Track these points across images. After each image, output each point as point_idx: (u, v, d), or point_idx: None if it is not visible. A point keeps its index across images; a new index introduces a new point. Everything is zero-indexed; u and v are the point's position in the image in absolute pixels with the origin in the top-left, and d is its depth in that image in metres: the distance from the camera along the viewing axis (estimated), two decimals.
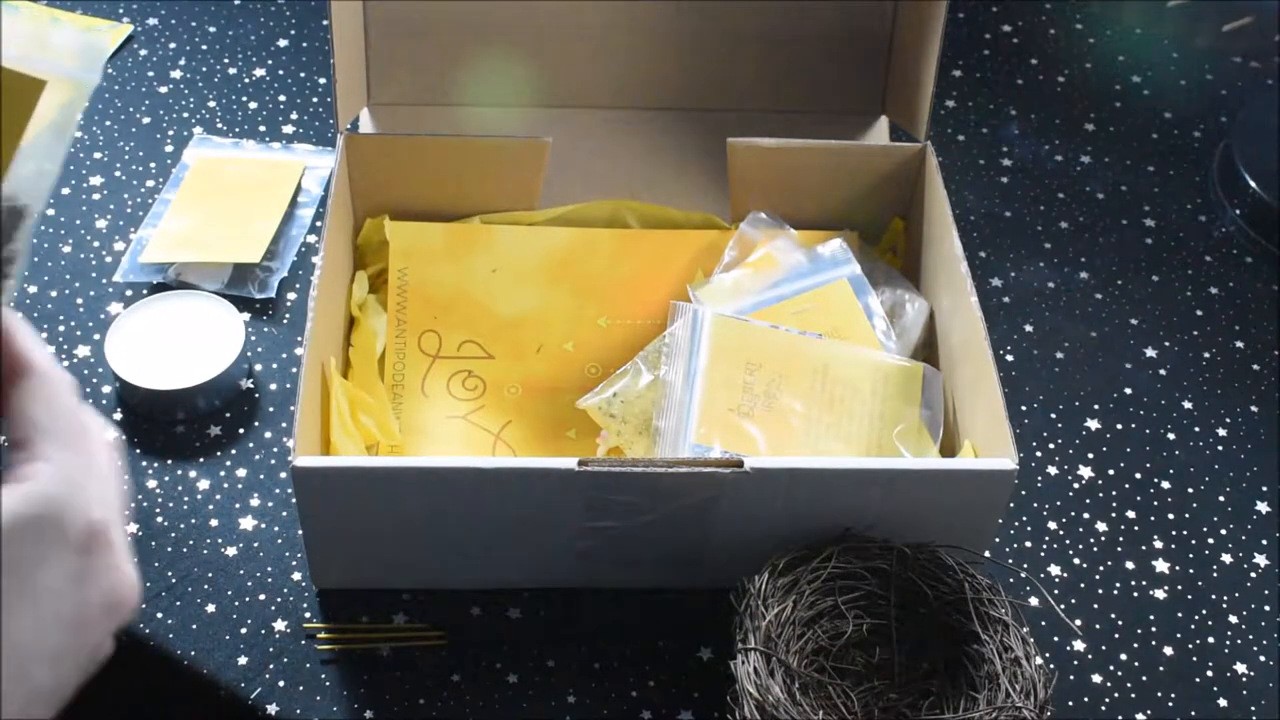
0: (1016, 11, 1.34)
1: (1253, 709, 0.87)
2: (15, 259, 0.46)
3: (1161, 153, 1.22)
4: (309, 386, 0.83)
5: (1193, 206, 1.18)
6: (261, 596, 0.88)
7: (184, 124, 1.17)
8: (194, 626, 0.86)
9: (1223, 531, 0.96)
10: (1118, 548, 0.94)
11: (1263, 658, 0.89)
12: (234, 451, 0.95)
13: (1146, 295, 1.11)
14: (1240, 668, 0.89)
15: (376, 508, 0.82)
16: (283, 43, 1.25)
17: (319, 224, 1.07)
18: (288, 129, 1.17)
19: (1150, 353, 1.07)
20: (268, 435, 0.96)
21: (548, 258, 1.01)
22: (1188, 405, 1.03)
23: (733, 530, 0.83)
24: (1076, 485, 0.98)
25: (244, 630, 0.86)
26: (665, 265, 1.02)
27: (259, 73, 1.22)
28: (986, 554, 0.87)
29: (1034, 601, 0.88)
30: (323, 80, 1.21)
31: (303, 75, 1.22)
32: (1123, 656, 0.89)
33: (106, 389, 0.98)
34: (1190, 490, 0.98)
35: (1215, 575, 0.93)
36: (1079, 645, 0.89)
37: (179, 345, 0.97)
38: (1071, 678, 0.88)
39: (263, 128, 1.17)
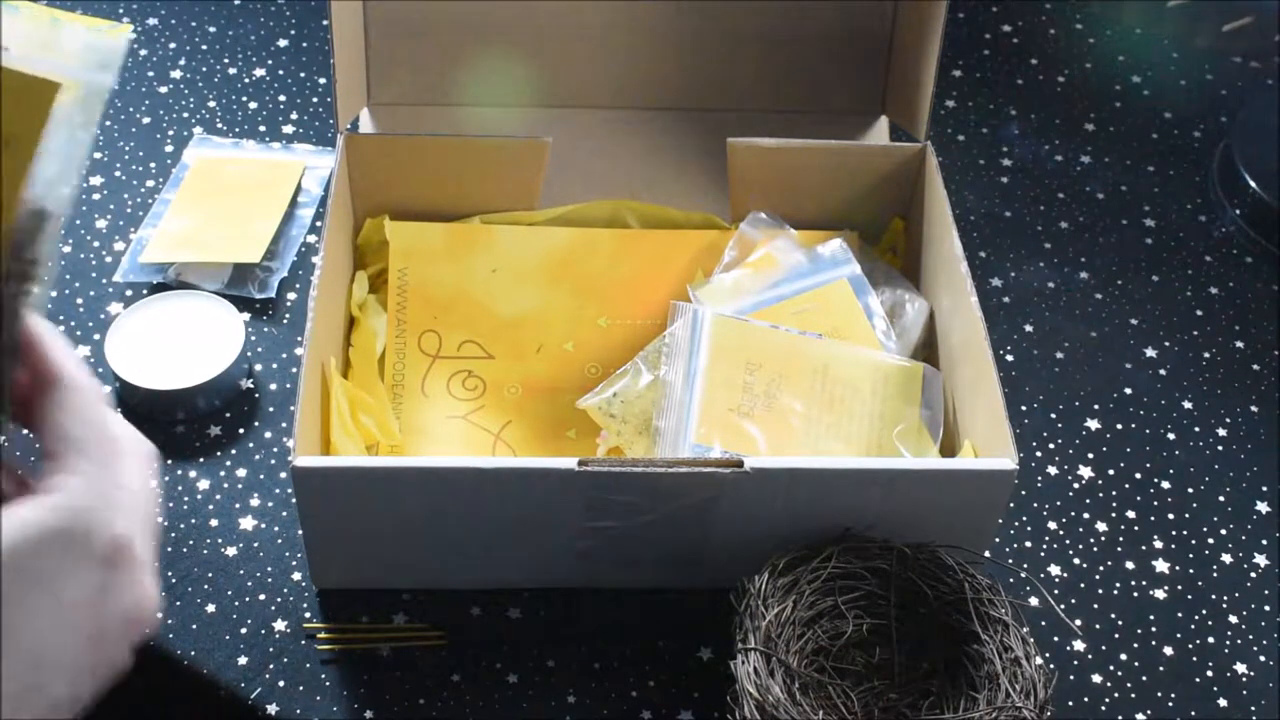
0: (1016, 11, 1.34)
1: (1253, 709, 0.87)
2: (41, 263, 0.45)
3: (1161, 153, 1.22)
4: (309, 386, 0.83)
5: (1193, 206, 1.18)
6: (261, 596, 0.88)
7: (184, 124, 1.16)
8: (194, 626, 0.86)
9: (1223, 531, 0.96)
10: (1118, 548, 0.94)
11: (1263, 658, 0.89)
12: (234, 451, 0.95)
13: (1146, 295, 1.11)
14: (1240, 668, 0.89)
15: (376, 508, 0.82)
16: (283, 43, 1.25)
17: (319, 224, 1.07)
18: (288, 129, 1.17)
19: (1150, 353, 1.07)
20: (268, 435, 0.96)
21: (548, 258, 1.01)
22: (1188, 405, 1.03)
23: (733, 530, 0.83)
24: (1076, 485, 0.98)
25: (244, 630, 0.86)
26: (665, 265, 1.02)
27: (259, 73, 1.22)
28: (986, 554, 0.87)
29: (1034, 601, 0.88)
30: (323, 80, 1.21)
31: (303, 75, 1.22)
32: (1123, 656, 0.89)
33: (106, 389, 0.98)
34: (1190, 490, 0.98)
35: (1215, 575, 0.93)
36: (1079, 645, 0.89)
37: (179, 345, 0.97)
38: (1071, 678, 0.87)
39: (263, 128, 1.17)
